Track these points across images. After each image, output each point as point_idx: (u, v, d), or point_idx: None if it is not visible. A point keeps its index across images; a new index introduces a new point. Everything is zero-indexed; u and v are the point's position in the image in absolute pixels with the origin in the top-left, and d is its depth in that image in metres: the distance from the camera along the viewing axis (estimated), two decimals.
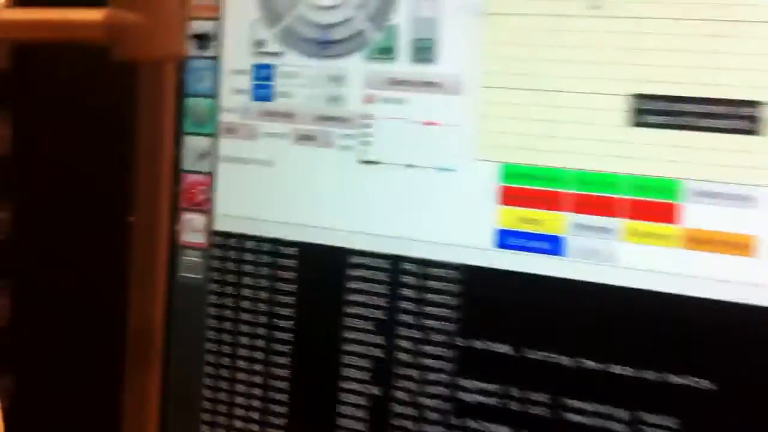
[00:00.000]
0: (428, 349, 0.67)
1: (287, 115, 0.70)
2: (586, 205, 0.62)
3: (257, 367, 0.73)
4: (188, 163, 0.74)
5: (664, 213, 0.60)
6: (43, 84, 0.79)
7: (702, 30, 0.59)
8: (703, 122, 0.59)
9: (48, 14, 0.53)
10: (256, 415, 0.73)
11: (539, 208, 0.63)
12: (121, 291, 0.72)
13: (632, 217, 0.61)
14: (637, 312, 0.61)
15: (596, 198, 0.62)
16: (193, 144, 0.73)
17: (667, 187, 0.60)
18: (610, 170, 0.61)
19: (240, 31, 0.71)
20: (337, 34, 0.68)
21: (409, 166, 0.66)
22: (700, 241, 0.59)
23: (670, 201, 0.60)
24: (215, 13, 0.72)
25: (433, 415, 0.67)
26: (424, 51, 0.66)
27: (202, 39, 0.72)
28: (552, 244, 0.63)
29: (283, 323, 0.72)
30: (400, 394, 0.68)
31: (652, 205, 0.60)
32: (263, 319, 0.72)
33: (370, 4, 0.67)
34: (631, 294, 0.61)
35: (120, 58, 0.55)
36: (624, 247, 0.61)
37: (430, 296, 0.67)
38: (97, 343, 0.79)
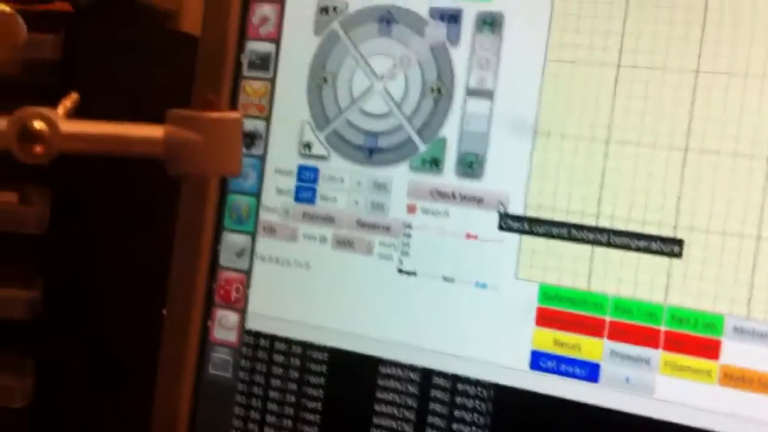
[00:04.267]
0: None
1: (328, 219, 0.70)
2: (624, 333, 0.61)
3: None
4: (225, 259, 0.74)
5: (704, 347, 0.59)
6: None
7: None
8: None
9: (109, 128, 0.54)
10: None
11: (576, 332, 0.62)
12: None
13: (670, 350, 0.60)
14: None
15: (635, 327, 0.61)
16: (232, 241, 0.73)
17: (709, 321, 0.59)
18: (651, 299, 0.60)
19: (288, 131, 0.72)
20: (385, 143, 0.68)
21: (447, 279, 0.66)
22: (736, 378, 0.58)
23: (711, 336, 0.59)
24: (264, 113, 0.72)
25: None
26: (470, 165, 0.66)
27: (250, 137, 0.73)
28: (586, 370, 0.62)
29: (308, 429, 0.70)
30: None
31: (692, 338, 0.59)
32: (289, 423, 0.71)
33: (420, 115, 0.67)
34: (664, 427, 0.60)
35: (174, 173, 0.55)
36: (660, 379, 0.60)
37: (459, 413, 0.65)
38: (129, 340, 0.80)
